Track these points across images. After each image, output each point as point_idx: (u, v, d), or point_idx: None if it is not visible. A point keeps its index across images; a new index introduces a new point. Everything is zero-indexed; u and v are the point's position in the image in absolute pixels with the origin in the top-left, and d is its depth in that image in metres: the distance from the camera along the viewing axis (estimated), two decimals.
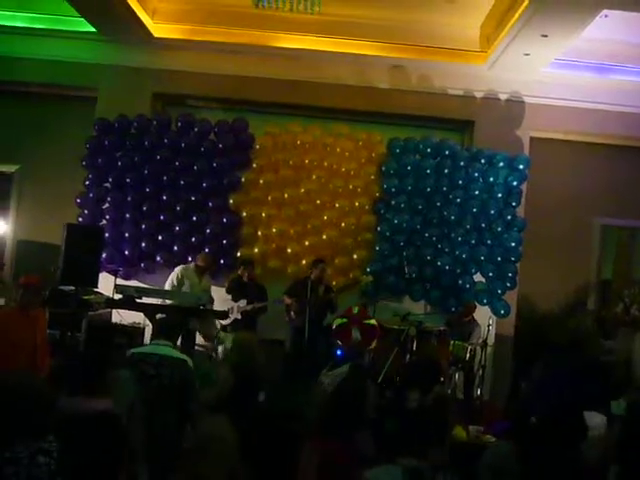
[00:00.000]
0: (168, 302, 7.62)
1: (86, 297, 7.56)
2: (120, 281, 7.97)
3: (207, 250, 8.32)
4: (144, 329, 7.79)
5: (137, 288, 7.74)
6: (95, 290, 7.77)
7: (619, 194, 9.42)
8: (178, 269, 7.98)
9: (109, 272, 8.09)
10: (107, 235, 8.38)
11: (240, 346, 5.08)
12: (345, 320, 7.43)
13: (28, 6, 8.95)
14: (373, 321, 7.49)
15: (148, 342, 5.36)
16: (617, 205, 9.49)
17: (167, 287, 7.87)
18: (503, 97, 9.12)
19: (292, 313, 7.71)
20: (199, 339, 7.98)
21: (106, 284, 7.80)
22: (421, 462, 2.82)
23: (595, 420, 4.60)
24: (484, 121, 9.08)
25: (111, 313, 7.85)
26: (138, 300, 7.41)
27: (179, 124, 8.79)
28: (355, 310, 7.54)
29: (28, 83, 9.28)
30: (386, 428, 4.15)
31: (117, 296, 7.46)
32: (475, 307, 8.19)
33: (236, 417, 4.71)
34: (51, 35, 9.01)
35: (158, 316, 6.70)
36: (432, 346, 7.80)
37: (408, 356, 7.57)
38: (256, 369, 4.96)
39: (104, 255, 8.22)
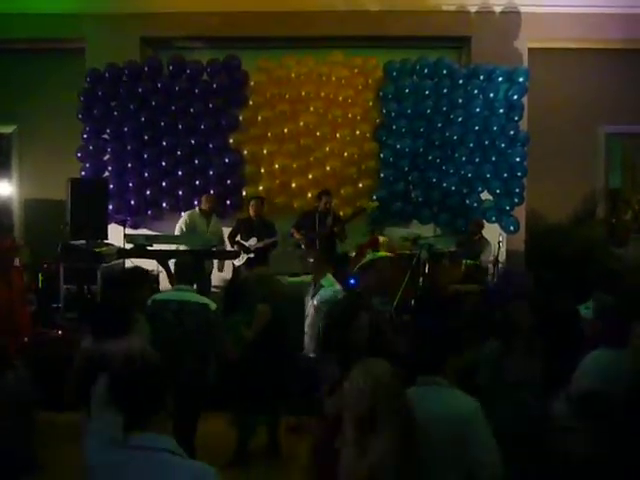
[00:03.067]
0: (179, 247, 7.69)
1: (98, 250, 7.61)
2: (129, 231, 8.02)
3: (212, 192, 8.32)
4: (158, 276, 7.86)
5: (147, 236, 7.82)
6: (106, 242, 7.84)
7: (622, 100, 9.22)
8: (185, 215, 8.02)
9: (117, 223, 8.14)
10: (111, 186, 8.39)
11: (266, 280, 5.11)
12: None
13: None
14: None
15: (167, 288, 5.35)
16: (621, 111, 9.30)
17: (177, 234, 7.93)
18: (498, 9, 8.87)
19: (302, 246, 7.76)
20: (214, 281, 8.08)
21: (116, 235, 7.87)
22: None
23: None
24: (480, 36, 8.84)
25: (124, 263, 7.92)
26: (149, 248, 7.48)
27: (170, 68, 8.65)
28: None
29: (14, 40, 9.12)
30: None
31: (128, 246, 7.52)
32: (483, 223, 8.20)
33: (273, 351, 4.89)
34: None
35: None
36: (445, 268, 7.85)
37: (421, 280, 7.63)
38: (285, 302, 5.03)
39: (110, 206, 8.28)
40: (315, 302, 5.29)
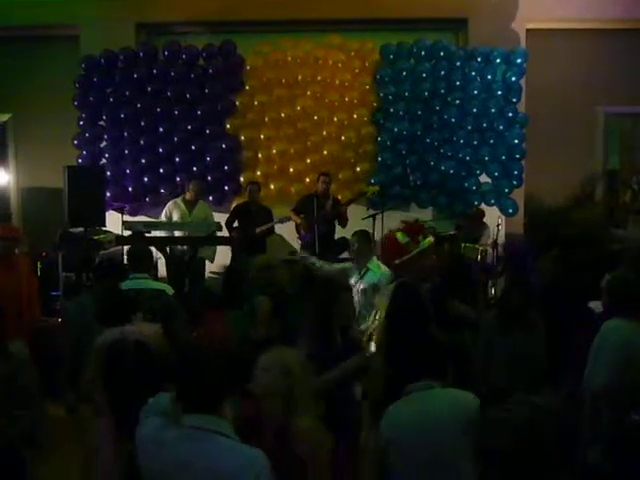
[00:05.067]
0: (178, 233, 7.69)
1: (96, 237, 7.61)
2: (127, 218, 8.00)
3: (210, 178, 8.29)
4: (157, 262, 7.85)
5: (145, 223, 7.78)
6: (104, 229, 7.82)
7: (621, 81, 9.16)
8: (167, 205, 7.99)
9: (115, 210, 8.12)
10: (108, 173, 8.38)
11: (264, 269, 5.05)
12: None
13: None
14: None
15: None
16: (620, 92, 9.24)
17: None
18: None
19: (301, 230, 7.74)
20: (210, 268, 8.06)
21: (114, 222, 7.85)
22: None
23: None
24: (477, 17, 8.73)
25: (123, 250, 7.90)
26: (147, 235, 7.46)
27: (166, 53, 8.59)
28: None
29: (7, 27, 9.03)
30: None
31: (126, 233, 7.50)
32: (483, 214, 8.22)
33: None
34: None
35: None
36: (445, 250, 7.83)
37: None
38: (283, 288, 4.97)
39: (108, 194, 8.26)
40: (362, 286, 5.31)
